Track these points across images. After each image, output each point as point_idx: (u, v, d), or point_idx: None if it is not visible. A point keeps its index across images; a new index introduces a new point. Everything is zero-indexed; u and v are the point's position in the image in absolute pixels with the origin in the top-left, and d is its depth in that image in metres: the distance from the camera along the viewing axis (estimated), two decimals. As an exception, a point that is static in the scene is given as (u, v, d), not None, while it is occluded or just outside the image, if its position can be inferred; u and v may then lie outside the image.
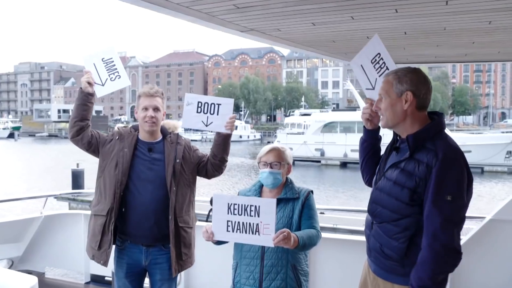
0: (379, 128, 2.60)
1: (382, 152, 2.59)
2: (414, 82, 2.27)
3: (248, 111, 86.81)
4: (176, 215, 3.05)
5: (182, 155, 3.13)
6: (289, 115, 57.49)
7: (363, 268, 2.62)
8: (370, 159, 2.65)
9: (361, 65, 2.71)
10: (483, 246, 3.65)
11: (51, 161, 38.27)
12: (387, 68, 2.63)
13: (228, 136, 3.12)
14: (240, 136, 65.60)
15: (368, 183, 2.67)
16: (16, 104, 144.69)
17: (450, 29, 3.19)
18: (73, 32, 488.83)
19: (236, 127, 64.40)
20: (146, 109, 3.06)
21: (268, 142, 43.16)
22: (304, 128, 41.60)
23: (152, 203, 3.01)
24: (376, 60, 2.67)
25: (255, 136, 71.86)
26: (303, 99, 79.26)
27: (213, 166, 3.18)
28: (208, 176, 3.25)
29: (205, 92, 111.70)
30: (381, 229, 2.33)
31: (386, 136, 2.45)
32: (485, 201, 20.46)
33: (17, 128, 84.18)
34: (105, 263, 3.07)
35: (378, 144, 2.67)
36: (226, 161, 3.22)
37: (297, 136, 40.39)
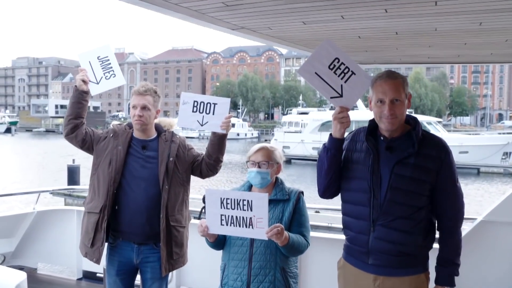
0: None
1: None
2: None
3: (246, 109, 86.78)
4: (168, 214, 3.03)
5: (176, 153, 3.12)
6: (286, 114, 57.40)
7: (347, 277, 2.57)
8: (339, 171, 2.53)
9: (316, 73, 2.45)
10: (473, 247, 3.66)
11: (47, 157, 38.22)
12: (353, 72, 2.41)
13: (224, 136, 3.09)
14: (238, 134, 65.54)
15: (335, 194, 2.60)
16: (14, 99, 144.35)
17: (441, 30, 3.19)
18: (72, 27, 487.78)
19: (234, 124, 64.83)
20: (134, 107, 3.06)
21: (266, 140, 43.16)
22: (301, 126, 41.54)
23: (144, 200, 3.00)
24: (335, 65, 2.42)
25: (252, 134, 71.74)
26: (301, 97, 79.28)
27: (207, 166, 3.17)
28: (203, 175, 3.24)
29: (203, 89, 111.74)
30: (393, 227, 2.34)
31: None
32: (477, 202, 20.46)
33: (14, 123, 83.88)
34: (97, 261, 3.07)
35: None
36: (221, 161, 3.20)
37: (295, 134, 40.33)
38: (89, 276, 5.13)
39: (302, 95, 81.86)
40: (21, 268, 4.75)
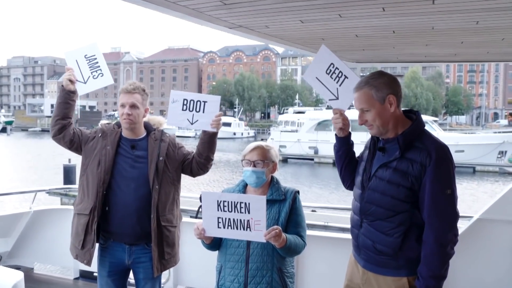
0: (350, 133, 2.69)
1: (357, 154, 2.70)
2: (389, 84, 2.37)
3: (242, 108, 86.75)
4: (158, 214, 3.00)
5: (166, 153, 3.08)
6: (283, 113, 57.46)
7: (349, 263, 2.67)
8: (348, 165, 2.70)
9: (317, 78, 2.72)
10: (470, 245, 3.67)
11: (43, 156, 38.08)
12: (345, 77, 2.66)
13: (214, 134, 3.06)
14: (234, 133, 65.54)
15: (350, 187, 2.71)
16: (9, 98, 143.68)
17: (438, 29, 3.19)
18: (68, 26, 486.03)
19: (230, 124, 64.73)
20: (123, 106, 3.01)
21: (262, 140, 43.10)
22: (298, 126, 41.54)
23: (134, 201, 2.96)
24: (331, 70, 2.69)
25: (248, 134, 71.71)
26: (297, 97, 79.43)
27: (198, 164, 3.13)
28: (193, 174, 3.20)
29: (200, 89, 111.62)
30: (373, 227, 2.39)
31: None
32: (473, 200, 20.54)
33: (10, 123, 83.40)
34: (88, 263, 3.03)
35: (352, 149, 2.72)
36: (212, 160, 3.16)
37: (291, 134, 40.34)
38: (86, 275, 5.11)
39: (298, 94, 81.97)
40: (17, 267, 4.73)
